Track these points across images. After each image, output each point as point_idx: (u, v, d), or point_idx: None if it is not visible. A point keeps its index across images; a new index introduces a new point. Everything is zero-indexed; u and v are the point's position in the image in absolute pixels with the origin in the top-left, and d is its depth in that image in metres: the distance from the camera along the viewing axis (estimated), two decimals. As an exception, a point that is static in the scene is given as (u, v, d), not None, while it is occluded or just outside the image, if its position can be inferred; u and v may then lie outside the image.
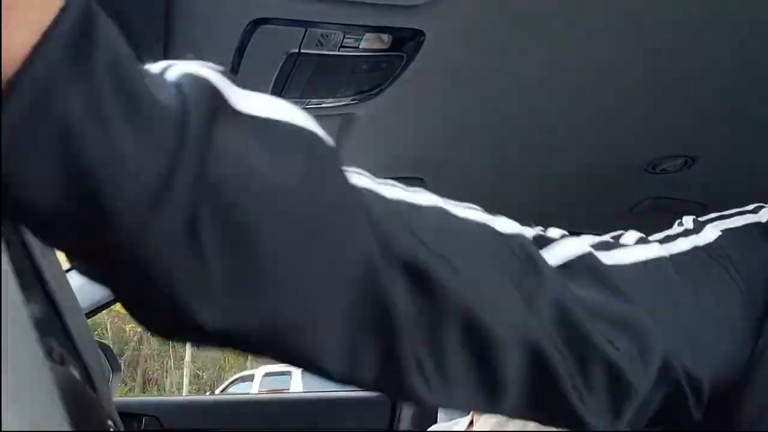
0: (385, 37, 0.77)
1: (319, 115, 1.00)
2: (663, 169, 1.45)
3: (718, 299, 0.44)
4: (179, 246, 0.23)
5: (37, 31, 0.20)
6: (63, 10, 0.21)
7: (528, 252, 0.37)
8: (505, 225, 0.38)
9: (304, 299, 0.27)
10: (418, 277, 0.30)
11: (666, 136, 1.29)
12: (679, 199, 1.66)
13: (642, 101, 1.11)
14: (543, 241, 0.40)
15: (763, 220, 0.51)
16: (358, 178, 0.32)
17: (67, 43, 0.20)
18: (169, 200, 0.22)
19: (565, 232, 0.43)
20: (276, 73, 0.80)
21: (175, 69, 0.27)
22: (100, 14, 0.22)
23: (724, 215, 0.52)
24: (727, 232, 0.49)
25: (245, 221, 0.25)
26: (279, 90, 0.85)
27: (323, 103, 0.93)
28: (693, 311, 0.42)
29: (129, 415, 1.42)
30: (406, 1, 0.70)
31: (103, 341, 1.76)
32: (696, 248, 0.47)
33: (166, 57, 0.80)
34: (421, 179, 1.48)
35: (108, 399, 0.53)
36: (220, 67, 0.27)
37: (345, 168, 0.30)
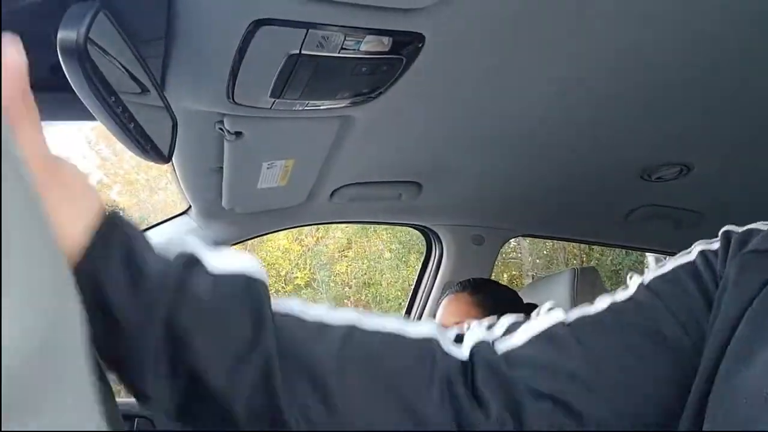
0: (386, 39, 0.77)
1: (318, 117, 1.01)
2: (659, 177, 1.46)
3: (618, 345, 0.49)
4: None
5: (86, 221, 0.39)
6: (102, 226, 0.39)
7: (431, 349, 0.47)
8: (416, 330, 0.48)
9: (215, 388, 0.41)
10: (311, 379, 0.42)
11: (662, 145, 1.30)
12: (675, 207, 1.67)
13: (638, 109, 1.12)
14: (461, 336, 0.51)
15: (692, 258, 0.55)
16: (284, 302, 0.46)
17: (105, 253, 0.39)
18: (150, 323, 0.39)
19: (486, 323, 0.54)
20: (276, 74, 0.80)
21: (173, 246, 0.43)
22: (126, 225, 0.41)
23: (662, 265, 0.56)
24: (653, 281, 0.54)
25: (186, 334, 0.40)
26: (279, 91, 0.85)
27: (322, 105, 0.93)
28: (583, 362, 0.48)
29: (122, 416, 1.41)
30: (408, 4, 0.70)
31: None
32: (614, 303, 0.53)
33: (166, 56, 0.80)
34: (419, 184, 1.49)
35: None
36: (199, 241, 0.44)
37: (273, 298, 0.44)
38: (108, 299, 0.37)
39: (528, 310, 1.42)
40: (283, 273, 12.08)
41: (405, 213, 1.68)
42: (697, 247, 0.56)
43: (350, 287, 12.48)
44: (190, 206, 1.42)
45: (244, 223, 1.46)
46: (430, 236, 1.80)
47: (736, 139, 1.26)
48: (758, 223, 0.55)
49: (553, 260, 9.53)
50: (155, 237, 0.43)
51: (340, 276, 12.46)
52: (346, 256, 11.92)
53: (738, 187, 1.52)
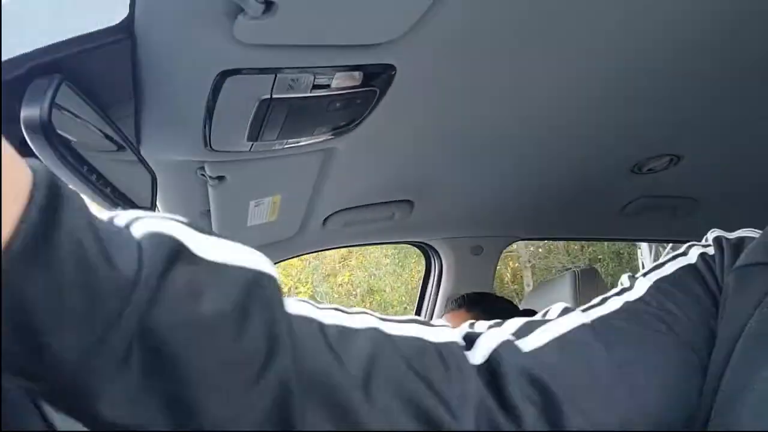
0: (356, 74, 0.77)
1: (299, 153, 1.00)
2: (650, 169, 1.45)
3: (642, 347, 0.47)
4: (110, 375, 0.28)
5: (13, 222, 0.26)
6: (28, 203, 0.26)
7: (457, 360, 0.41)
8: (437, 335, 0.43)
9: (215, 418, 0.31)
10: (334, 406, 0.35)
11: (649, 137, 1.29)
12: (670, 196, 1.66)
13: (623, 105, 1.11)
14: (472, 337, 0.45)
15: (693, 260, 0.54)
16: (298, 305, 0.37)
17: (27, 241, 0.25)
18: (105, 345, 0.28)
19: (491, 323, 0.50)
20: (251, 119, 0.80)
21: (140, 225, 0.32)
22: (65, 192, 0.28)
23: (658, 265, 0.55)
24: (659, 282, 0.52)
25: (171, 354, 0.29)
26: (255, 134, 0.84)
27: (301, 141, 0.92)
28: (606, 365, 0.45)
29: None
30: (373, 39, 0.70)
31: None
32: (627, 303, 0.50)
33: (138, 114, 0.79)
34: (411, 201, 1.48)
35: None
36: (186, 220, 0.34)
37: (285, 298, 0.36)
38: (36, 317, 0.26)
39: (526, 316, 1.41)
40: (285, 289, 12.06)
41: (400, 231, 1.67)
42: (694, 250, 0.56)
43: (354, 296, 12.48)
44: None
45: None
46: (428, 251, 1.79)
47: (723, 125, 1.25)
48: (746, 230, 0.55)
49: (552, 247, 9.49)
50: None
51: (344, 286, 12.45)
52: (347, 266, 11.92)
53: (729, 171, 1.51)
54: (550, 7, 0.75)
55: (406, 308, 11.78)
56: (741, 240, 0.53)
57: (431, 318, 1.74)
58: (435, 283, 1.77)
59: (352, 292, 12.33)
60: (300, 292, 12.29)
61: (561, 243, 8.97)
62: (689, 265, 0.54)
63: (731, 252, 0.52)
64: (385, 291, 11.97)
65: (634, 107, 1.12)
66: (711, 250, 0.55)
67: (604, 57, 0.91)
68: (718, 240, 0.55)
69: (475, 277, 1.73)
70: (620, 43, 0.88)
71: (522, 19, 0.77)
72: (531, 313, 1.45)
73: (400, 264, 11.25)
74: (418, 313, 1.79)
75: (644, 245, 6.86)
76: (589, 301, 0.55)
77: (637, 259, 7.71)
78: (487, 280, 1.76)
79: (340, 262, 11.57)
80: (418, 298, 1.82)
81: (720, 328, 0.48)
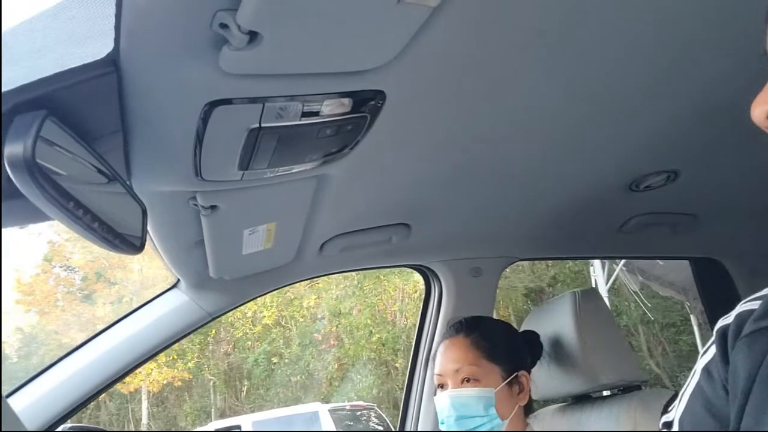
0: (346, 100, 0.76)
1: (292, 180, 0.99)
2: (647, 186, 1.44)
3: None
4: None
5: None
6: None
7: None
8: None
9: None
10: None
11: (645, 155, 1.29)
12: (669, 213, 1.65)
13: (617, 122, 1.11)
14: None
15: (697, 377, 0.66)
16: None
17: None
18: None
19: None
20: (240, 149, 0.79)
21: None
22: None
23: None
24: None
25: None
26: (246, 163, 0.84)
27: (293, 169, 0.91)
28: None
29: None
30: (360, 66, 0.69)
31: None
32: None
33: (127, 146, 0.79)
34: (408, 225, 1.47)
35: None
36: None
37: None
38: None
39: (525, 338, 1.40)
40: (249, 314, 12.00)
41: (398, 254, 1.65)
42: (699, 363, 0.65)
43: (320, 319, 12.38)
44: (179, 279, 1.39)
45: (236, 289, 1.44)
46: (427, 274, 1.77)
47: (718, 140, 1.25)
48: (745, 302, 0.62)
49: (517, 267, 9.48)
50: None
51: (310, 310, 12.35)
52: (314, 288, 11.86)
53: (728, 185, 1.50)
54: (543, 27, 0.75)
55: (371, 331, 11.70)
56: (740, 316, 0.61)
57: (431, 344, 1.71)
58: (435, 306, 1.75)
59: (318, 314, 12.24)
60: (265, 317, 12.18)
61: (527, 263, 8.96)
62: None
63: (734, 332, 0.61)
64: (351, 314, 11.91)
65: (629, 125, 1.11)
66: (711, 352, 0.63)
67: (599, 76, 0.91)
68: (720, 331, 0.63)
69: (475, 299, 1.71)
70: (615, 61, 0.88)
71: (513, 40, 0.77)
72: (529, 334, 1.44)
73: (359, 286, 11.23)
74: (418, 337, 1.77)
75: (597, 263, 6.79)
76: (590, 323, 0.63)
77: (589, 276, 7.61)
78: (488, 301, 1.73)
79: (307, 285, 11.50)
80: (418, 323, 1.80)
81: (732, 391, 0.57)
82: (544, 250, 1.84)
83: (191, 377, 12.80)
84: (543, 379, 1.42)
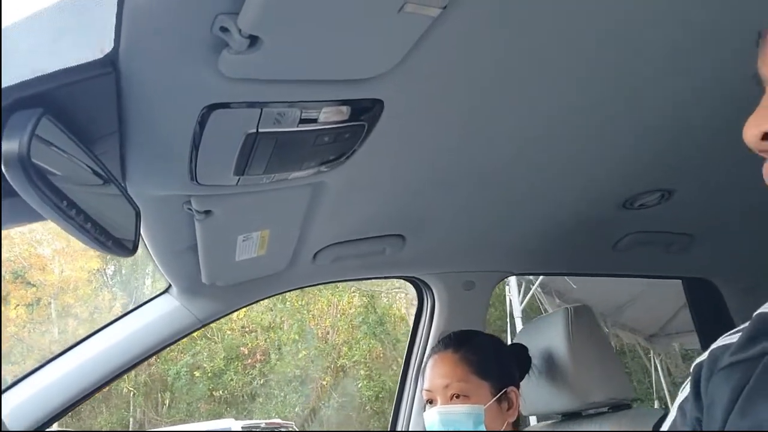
0: (344, 108, 0.76)
1: (287, 187, 0.99)
2: (641, 205, 1.44)
3: None
4: None
5: None
6: None
7: None
8: None
9: None
10: None
11: (639, 173, 1.29)
12: (664, 232, 1.65)
13: (611, 140, 1.11)
14: None
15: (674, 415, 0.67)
16: None
17: None
18: None
19: None
20: (237, 154, 0.79)
21: None
22: None
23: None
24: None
25: None
26: (242, 169, 0.83)
27: (289, 176, 0.91)
28: None
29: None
30: (360, 75, 0.69)
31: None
32: None
33: (123, 148, 0.78)
34: (402, 236, 1.46)
35: None
36: None
37: None
38: None
39: (514, 351, 1.39)
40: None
41: (392, 266, 1.65)
42: (677, 400, 0.67)
43: (249, 333, 12.18)
44: (170, 284, 1.38)
45: (228, 295, 1.43)
46: (420, 286, 1.76)
47: (713, 158, 1.25)
48: (721, 339, 0.64)
49: None
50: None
51: (238, 322, 12.14)
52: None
53: (722, 205, 1.51)
54: (540, 42, 0.75)
55: (298, 347, 11.61)
56: (713, 355, 0.63)
57: (422, 356, 1.70)
58: (427, 319, 1.75)
59: (248, 327, 12.05)
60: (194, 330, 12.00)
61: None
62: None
63: (708, 368, 0.62)
64: (282, 328, 11.79)
65: (623, 142, 1.12)
66: (685, 392, 0.65)
67: (594, 92, 0.91)
68: (695, 367, 0.65)
69: (467, 312, 1.71)
70: (610, 79, 0.88)
71: (511, 54, 0.77)
72: (517, 347, 1.44)
73: (284, 300, 11.15)
74: (409, 350, 1.76)
75: (512, 281, 6.33)
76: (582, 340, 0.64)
77: (505, 296, 7.19)
78: (480, 315, 1.73)
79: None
80: (410, 335, 1.79)
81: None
82: (538, 266, 1.84)
83: (108, 388, 12.43)
84: (533, 394, 1.41)
